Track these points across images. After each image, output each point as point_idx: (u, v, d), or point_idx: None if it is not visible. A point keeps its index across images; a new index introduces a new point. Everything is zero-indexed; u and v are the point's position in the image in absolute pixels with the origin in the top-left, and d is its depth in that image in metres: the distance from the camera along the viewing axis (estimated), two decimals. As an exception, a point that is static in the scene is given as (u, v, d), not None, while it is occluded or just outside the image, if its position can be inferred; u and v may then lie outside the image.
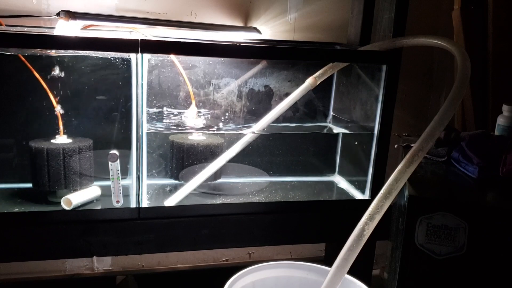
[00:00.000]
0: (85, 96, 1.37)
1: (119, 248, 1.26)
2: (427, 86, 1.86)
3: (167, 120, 1.42)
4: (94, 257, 1.67)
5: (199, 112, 1.45)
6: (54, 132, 1.31)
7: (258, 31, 1.56)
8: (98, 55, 1.32)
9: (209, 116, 1.48)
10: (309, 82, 1.42)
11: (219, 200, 1.38)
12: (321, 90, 1.60)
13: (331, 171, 1.66)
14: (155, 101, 1.43)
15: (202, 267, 1.82)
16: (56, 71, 1.32)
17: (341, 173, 1.64)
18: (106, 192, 1.31)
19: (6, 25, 1.31)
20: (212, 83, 1.47)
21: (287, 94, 1.57)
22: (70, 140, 1.31)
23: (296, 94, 1.43)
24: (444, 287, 1.05)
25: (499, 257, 1.02)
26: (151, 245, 1.27)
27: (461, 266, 1.02)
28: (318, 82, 1.42)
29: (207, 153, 1.43)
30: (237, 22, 1.58)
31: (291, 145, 1.61)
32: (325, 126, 1.59)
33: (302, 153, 1.64)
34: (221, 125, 1.47)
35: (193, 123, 1.43)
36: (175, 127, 1.41)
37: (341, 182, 1.61)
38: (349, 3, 1.56)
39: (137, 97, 1.21)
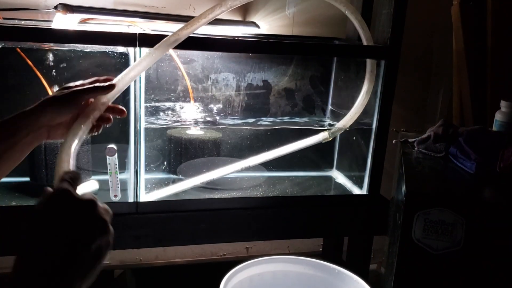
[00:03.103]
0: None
1: (117, 242, 1.24)
2: (425, 82, 1.86)
3: (165, 114, 1.42)
4: (92, 251, 1.67)
5: (197, 106, 1.45)
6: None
7: (257, 26, 1.56)
8: (95, 49, 1.32)
9: (207, 110, 1.48)
10: (323, 135, 1.43)
11: (217, 195, 1.38)
12: (320, 85, 1.59)
13: (329, 166, 1.66)
14: (153, 95, 1.42)
15: (200, 262, 1.82)
16: (53, 64, 1.32)
17: (339, 168, 1.64)
18: (103, 186, 1.31)
19: (4, 18, 1.30)
20: (211, 78, 1.47)
21: (285, 89, 1.57)
22: (67, 134, 1.31)
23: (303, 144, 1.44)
24: (441, 282, 1.05)
25: (496, 252, 1.03)
26: (149, 239, 1.27)
27: (458, 261, 1.02)
28: (331, 138, 1.44)
29: (205, 148, 1.43)
30: (235, 17, 1.57)
31: (289, 139, 1.61)
32: (324, 121, 1.59)
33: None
34: (219, 119, 1.46)
35: (191, 117, 1.43)
36: (172, 122, 1.41)
37: (339, 177, 1.61)
38: (348, -2, 1.55)
39: (135, 91, 1.20)
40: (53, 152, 1.25)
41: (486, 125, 1.48)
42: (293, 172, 1.61)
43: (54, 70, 1.32)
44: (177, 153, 1.44)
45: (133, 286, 1.74)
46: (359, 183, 1.48)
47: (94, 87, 0.83)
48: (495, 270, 1.03)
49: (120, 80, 0.91)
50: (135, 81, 1.20)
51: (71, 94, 0.80)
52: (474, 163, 1.17)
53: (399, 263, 1.05)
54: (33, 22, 1.35)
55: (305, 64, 1.59)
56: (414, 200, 1.02)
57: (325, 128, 1.48)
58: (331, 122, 1.59)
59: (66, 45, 1.28)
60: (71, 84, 0.84)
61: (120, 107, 0.88)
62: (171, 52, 1.36)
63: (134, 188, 1.26)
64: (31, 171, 1.28)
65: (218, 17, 1.53)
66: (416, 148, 1.33)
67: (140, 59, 1.00)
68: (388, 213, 1.36)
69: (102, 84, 0.84)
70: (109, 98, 0.86)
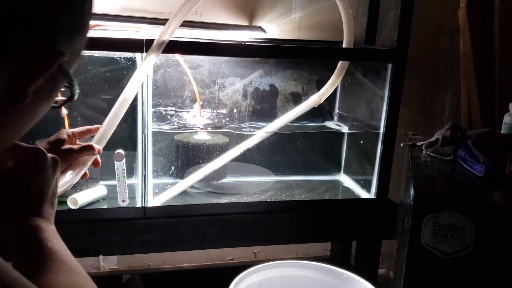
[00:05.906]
0: (90, 95, 1.38)
1: (125, 247, 1.26)
2: (433, 85, 1.85)
3: (172, 120, 1.42)
4: (100, 256, 1.68)
5: (204, 111, 1.45)
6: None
7: (263, 30, 1.56)
8: (103, 55, 1.32)
9: (214, 115, 1.48)
10: (313, 99, 1.41)
11: (224, 200, 1.38)
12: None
13: (337, 170, 1.66)
14: (160, 101, 1.43)
15: (208, 266, 1.82)
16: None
17: (347, 172, 1.64)
18: (112, 192, 1.31)
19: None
20: (217, 82, 1.47)
21: (292, 93, 1.57)
22: (76, 140, 1.31)
23: (297, 111, 1.42)
24: (450, 286, 1.04)
25: (506, 256, 1.02)
26: (157, 244, 1.27)
27: (467, 265, 1.01)
28: (323, 100, 1.41)
29: (212, 152, 1.43)
30: (242, 21, 1.57)
31: (296, 144, 1.60)
32: (331, 125, 1.59)
33: (308, 152, 1.64)
34: (226, 124, 1.47)
35: (198, 122, 1.43)
36: (180, 127, 1.41)
37: (347, 181, 1.61)
38: (354, 1, 1.55)
39: (142, 96, 1.21)
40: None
41: (495, 127, 1.47)
42: (300, 177, 1.61)
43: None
44: (184, 158, 1.44)
45: (141, 291, 1.74)
46: (367, 187, 1.47)
47: (87, 146, 0.90)
48: (505, 274, 1.02)
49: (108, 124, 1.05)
50: (142, 86, 1.21)
51: (63, 154, 0.84)
52: (483, 166, 1.16)
53: (408, 268, 1.05)
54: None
55: (312, 68, 1.59)
56: (423, 204, 1.01)
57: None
58: (337, 125, 1.59)
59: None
60: (64, 135, 0.88)
61: (96, 146, 0.93)
62: (178, 57, 1.36)
63: (142, 193, 1.26)
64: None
65: (225, 22, 1.54)
66: (424, 152, 1.32)
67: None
68: (396, 217, 1.35)
69: (95, 147, 0.92)
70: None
